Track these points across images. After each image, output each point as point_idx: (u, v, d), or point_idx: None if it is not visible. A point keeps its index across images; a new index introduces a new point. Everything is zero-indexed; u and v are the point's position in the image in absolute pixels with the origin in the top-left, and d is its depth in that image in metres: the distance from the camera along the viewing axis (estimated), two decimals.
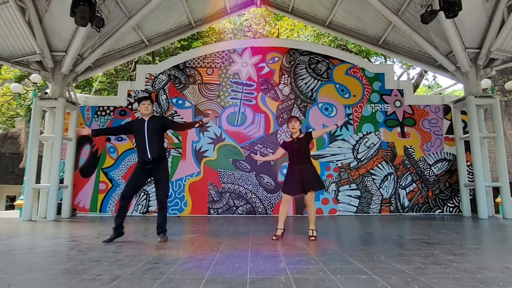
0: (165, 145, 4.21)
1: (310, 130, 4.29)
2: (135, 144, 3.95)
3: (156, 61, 14.63)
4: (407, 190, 7.49)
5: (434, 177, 7.56)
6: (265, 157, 4.79)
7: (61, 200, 7.02)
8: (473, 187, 7.02)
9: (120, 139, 7.64)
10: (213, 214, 7.35)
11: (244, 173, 7.51)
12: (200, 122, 4.01)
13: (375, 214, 7.34)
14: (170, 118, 4.33)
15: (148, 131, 3.95)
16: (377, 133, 7.72)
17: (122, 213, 3.93)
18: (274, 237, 3.98)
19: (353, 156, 7.59)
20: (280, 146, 4.30)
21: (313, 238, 3.97)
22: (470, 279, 2.22)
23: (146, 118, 4.06)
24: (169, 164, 7.51)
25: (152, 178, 4.06)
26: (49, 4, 6.22)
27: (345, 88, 7.94)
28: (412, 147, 7.66)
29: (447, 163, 7.63)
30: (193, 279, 2.26)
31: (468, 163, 7.31)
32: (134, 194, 4.07)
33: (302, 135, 4.17)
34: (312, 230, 4.04)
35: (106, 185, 7.47)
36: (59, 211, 6.92)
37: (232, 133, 7.70)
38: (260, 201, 7.43)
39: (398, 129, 7.75)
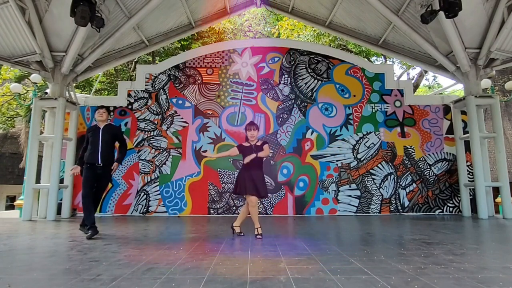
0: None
1: (266, 143, 4.44)
2: (88, 147, 4.35)
3: (156, 61, 14.63)
4: (407, 190, 7.49)
5: (434, 177, 7.56)
6: (218, 154, 4.92)
7: (61, 200, 7.02)
8: (473, 187, 7.02)
9: None
10: (213, 214, 7.35)
11: None
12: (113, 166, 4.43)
13: (375, 214, 7.34)
14: (123, 134, 4.83)
15: (102, 138, 4.28)
16: (377, 133, 7.71)
17: (92, 211, 4.25)
18: (259, 236, 4.07)
19: (353, 156, 7.59)
20: (237, 147, 4.42)
21: (259, 236, 4.07)
22: (470, 279, 2.22)
23: (101, 126, 4.39)
24: (169, 164, 7.54)
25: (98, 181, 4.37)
26: (49, 4, 6.22)
27: (345, 88, 7.94)
28: (412, 147, 7.66)
29: (447, 163, 7.63)
30: (193, 279, 2.26)
31: (468, 163, 7.31)
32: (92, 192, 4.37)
33: (259, 143, 4.34)
34: (258, 228, 4.16)
35: None
36: (59, 211, 6.92)
37: (232, 133, 7.70)
38: (260, 201, 7.42)
39: (398, 129, 7.75)
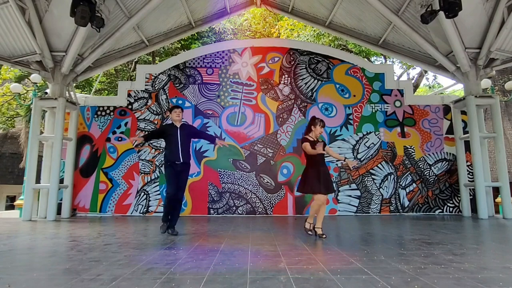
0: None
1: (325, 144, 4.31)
2: (165, 146, 4.62)
3: (156, 61, 14.64)
4: (407, 190, 7.49)
5: (434, 177, 7.56)
6: (334, 154, 4.42)
7: (61, 200, 7.01)
8: (473, 187, 7.02)
9: (120, 139, 7.64)
10: (213, 214, 7.35)
11: (244, 173, 7.51)
12: (216, 142, 4.67)
13: (375, 214, 7.34)
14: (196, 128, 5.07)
15: (181, 137, 4.45)
16: (377, 133, 7.71)
17: (169, 212, 4.46)
18: (324, 236, 4.02)
19: (353, 156, 7.59)
20: (308, 142, 4.16)
21: (324, 236, 4.01)
22: (470, 279, 2.22)
23: (178, 125, 4.55)
24: None
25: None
26: (49, 4, 6.22)
27: (345, 88, 7.94)
28: (412, 147, 7.66)
29: (447, 163, 7.63)
30: (193, 279, 2.26)
31: (468, 163, 7.31)
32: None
33: (321, 141, 4.25)
34: (319, 228, 4.09)
35: (106, 185, 7.46)
36: (59, 211, 6.92)
37: (232, 133, 7.70)
38: (260, 201, 7.43)
39: (398, 129, 7.74)
